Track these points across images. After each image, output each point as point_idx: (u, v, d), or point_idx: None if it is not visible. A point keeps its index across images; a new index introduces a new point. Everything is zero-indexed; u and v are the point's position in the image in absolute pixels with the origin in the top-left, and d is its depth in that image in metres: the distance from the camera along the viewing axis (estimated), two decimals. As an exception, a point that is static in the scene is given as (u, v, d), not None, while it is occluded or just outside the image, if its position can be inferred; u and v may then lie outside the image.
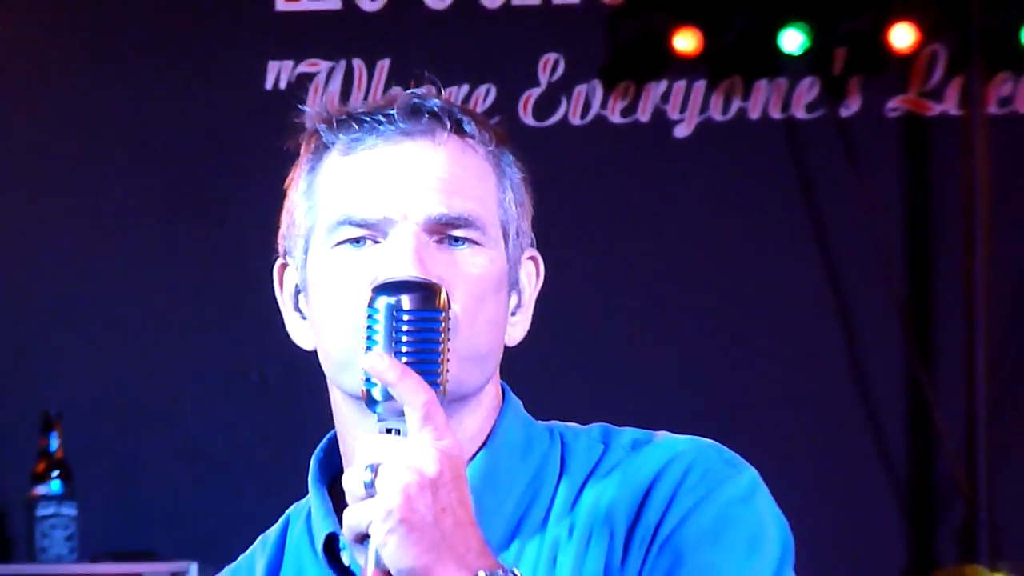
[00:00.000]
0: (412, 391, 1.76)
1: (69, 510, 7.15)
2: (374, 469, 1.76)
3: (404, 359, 1.82)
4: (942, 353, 7.78)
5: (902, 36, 7.41)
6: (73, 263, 8.11)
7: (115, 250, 7.87)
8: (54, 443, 7.19)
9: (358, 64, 7.60)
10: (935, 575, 6.89)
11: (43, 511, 7.18)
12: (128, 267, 7.87)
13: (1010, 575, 7.24)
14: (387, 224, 2.12)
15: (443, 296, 1.95)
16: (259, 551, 2.34)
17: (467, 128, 2.16)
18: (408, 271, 2.03)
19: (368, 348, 1.87)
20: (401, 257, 2.06)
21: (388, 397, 1.83)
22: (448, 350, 1.95)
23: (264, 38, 7.78)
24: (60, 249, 8.09)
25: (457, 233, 2.13)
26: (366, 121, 2.17)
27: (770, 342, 7.55)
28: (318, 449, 2.22)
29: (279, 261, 2.23)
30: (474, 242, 2.16)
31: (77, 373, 7.74)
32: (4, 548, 7.53)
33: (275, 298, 2.14)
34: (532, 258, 2.25)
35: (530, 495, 2.21)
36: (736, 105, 7.71)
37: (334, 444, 2.18)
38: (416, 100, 2.18)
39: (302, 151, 2.21)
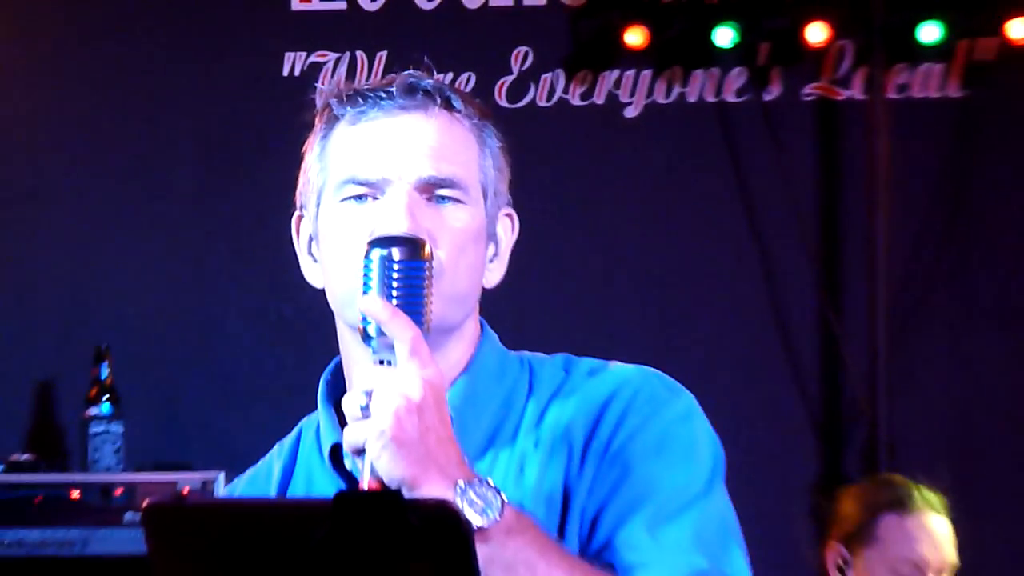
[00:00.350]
0: (400, 328, 2.17)
1: (117, 428, 7.10)
2: (369, 395, 2.16)
3: (394, 301, 2.27)
4: (848, 298, 7.82)
5: (816, 33, 7.53)
6: (124, 222, 7.97)
7: (158, 209, 7.86)
8: (104, 372, 7.16)
9: (360, 55, 7.67)
10: (844, 488, 6.97)
11: (95, 429, 7.16)
12: (169, 223, 7.84)
13: (925, 487, 7.28)
14: (385, 184, 2.53)
15: (427, 249, 2.35)
16: (276, 456, 2.81)
17: (455, 104, 2.58)
18: (400, 226, 2.41)
19: (364, 292, 2.30)
20: (395, 212, 2.45)
21: (381, 333, 2.25)
22: (431, 293, 2.34)
23: (282, 33, 7.79)
24: (113, 211, 7.94)
25: (443, 192, 2.55)
26: (370, 97, 2.58)
27: (704, 290, 7.68)
28: (326, 372, 2.68)
29: (296, 213, 2.70)
30: (457, 200, 2.57)
31: (124, 312, 7.70)
32: (62, 460, 7.44)
33: (291, 249, 2.67)
34: (508, 215, 2.72)
35: (502, 413, 2.72)
36: (677, 90, 7.81)
37: (339, 368, 2.64)
38: (412, 80, 2.60)
39: (316, 122, 2.65)
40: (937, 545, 5.86)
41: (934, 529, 5.85)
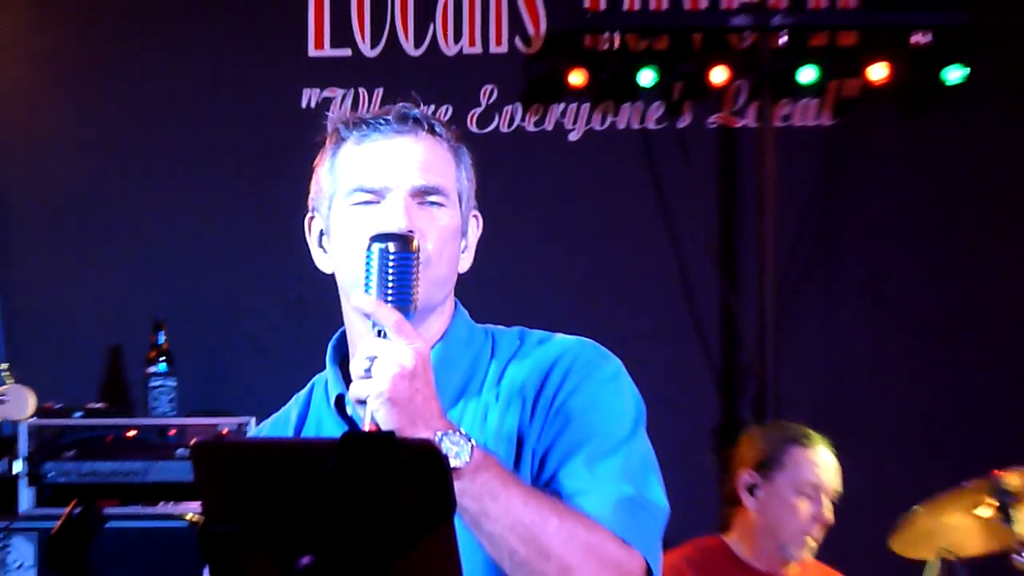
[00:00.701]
0: (385, 315, 2.64)
1: (171, 382, 7.35)
2: (371, 360, 2.62)
3: (390, 284, 2.72)
4: (743, 284, 8.07)
5: (718, 75, 7.79)
6: (176, 219, 8.16)
7: (203, 208, 8.06)
8: (161, 339, 7.41)
9: (362, 91, 7.95)
10: (743, 435, 7.12)
11: (153, 383, 7.35)
12: (211, 219, 8.05)
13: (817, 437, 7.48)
14: (385, 191, 2.94)
15: (415, 243, 2.80)
16: (293, 405, 3.31)
17: (437, 129, 3.05)
18: (399, 224, 2.84)
19: (367, 277, 2.75)
20: (395, 213, 2.87)
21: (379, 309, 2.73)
22: (419, 279, 2.77)
23: (300, 73, 8.04)
24: (168, 210, 8.12)
25: (431, 198, 2.98)
26: (371, 123, 3.03)
27: (629, 278, 7.94)
28: (332, 339, 3.16)
29: (308, 215, 3.14)
30: (441, 204, 3.01)
31: (177, 290, 7.91)
32: (128, 408, 7.64)
33: (306, 242, 3.12)
34: (475, 215, 3.20)
35: (470, 372, 3.18)
36: (609, 119, 8.06)
37: (343, 336, 3.11)
38: (404, 110, 3.04)
39: (327, 143, 3.10)
40: (831, 472, 6.10)
41: (829, 460, 6.09)
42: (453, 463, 2.64)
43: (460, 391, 3.22)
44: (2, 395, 5.72)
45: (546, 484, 3.05)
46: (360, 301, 2.82)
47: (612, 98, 7.91)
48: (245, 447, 3.23)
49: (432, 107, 3.51)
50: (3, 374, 5.86)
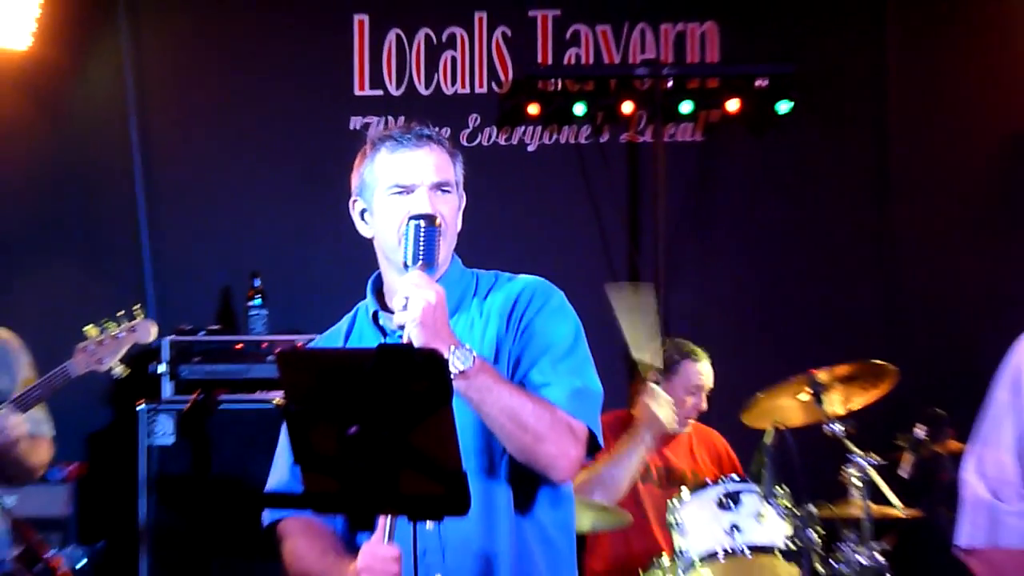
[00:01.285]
0: (416, 276, 3.20)
1: (264, 311, 7.90)
2: (407, 298, 3.15)
3: (422, 248, 3.29)
4: (644, 245, 8.49)
5: (627, 107, 8.34)
6: (269, 202, 8.47)
7: (285, 190, 8.38)
8: (256, 282, 7.89)
9: (390, 119, 8.19)
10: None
11: (252, 312, 7.97)
12: (292, 200, 8.27)
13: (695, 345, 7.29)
14: (413, 186, 3.47)
15: (438, 220, 3.37)
16: (344, 322, 3.83)
17: (442, 143, 3.58)
18: (425, 208, 3.40)
19: (405, 244, 3.32)
20: (423, 201, 3.43)
21: (412, 266, 3.27)
22: (441, 244, 3.36)
23: (350, 106, 8.44)
24: (263, 193, 8.43)
25: (443, 188, 3.51)
26: (399, 138, 3.55)
27: (568, 250, 8.31)
28: (371, 278, 3.69)
29: (352, 198, 3.65)
30: (449, 191, 3.53)
31: (267, 249, 8.22)
32: (234, 329, 8.04)
33: (350, 217, 3.63)
34: (462, 197, 3.68)
35: (461, 298, 3.67)
36: (555, 137, 8.54)
37: (378, 276, 3.64)
38: (420, 130, 3.55)
39: (366, 150, 3.61)
40: (708, 377, 6.94)
41: (708, 369, 6.92)
42: (461, 367, 3.21)
43: (454, 310, 3.64)
44: (133, 326, 5.78)
45: (521, 379, 3.58)
46: (410, 275, 3.38)
47: (556, 123, 8.52)
48: (312, 353, 3.61)
49: (436, 128, 3.94)
50: (135, 311, 5.88)
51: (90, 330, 5.63)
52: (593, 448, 3.51)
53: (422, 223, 3.35)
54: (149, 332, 5.81)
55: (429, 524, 3.40)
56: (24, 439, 5.48)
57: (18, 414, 5.43)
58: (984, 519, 3.18)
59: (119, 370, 5.72)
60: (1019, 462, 3.14)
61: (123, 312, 5.75)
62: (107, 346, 5.60)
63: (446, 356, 3.04)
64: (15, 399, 5.48)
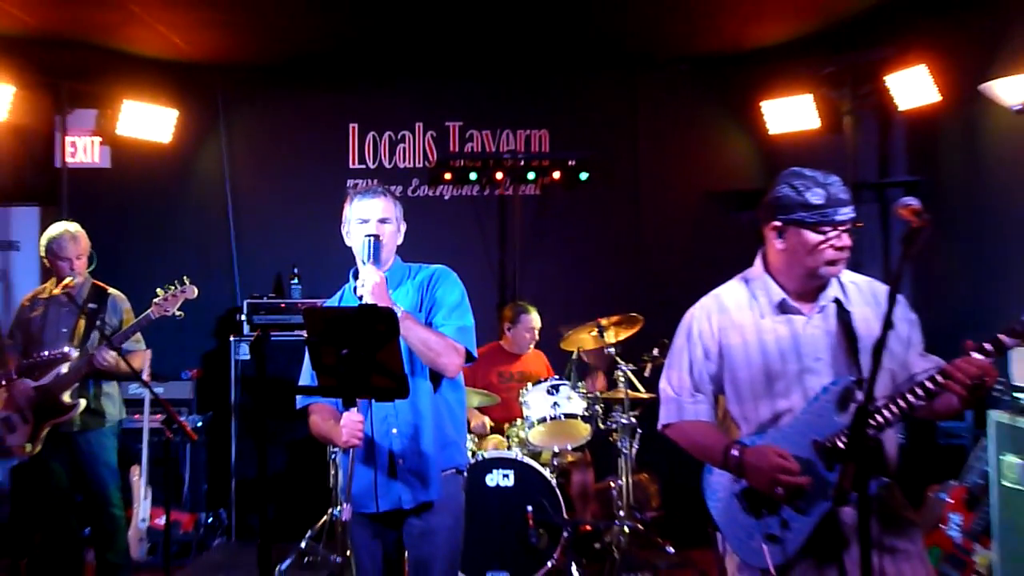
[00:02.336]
0: (369, 271, 3.58)
1: (299, 287, 8.20)
2: (364, 279, 3.56)
3: (371, 253, 3.66)
4: (508, 256, 8.62)
5: (499, 175, 8.51)
6: (303, 218, 8.46)
7: (314, 216, 8.14)
8: (295, 270, 8.20)
9: (367, 180, 8.39)
10: None
11: (292, 287, 8.22)
12: (316, 219, 8.05)
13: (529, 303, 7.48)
14: (368, 219, 3.75)
15: (381, 238, 3.70)
16: (340, 293, 3.98)
17: (387, 195, 3.85)
18: (373, 231, 3.69)
19: (363, 250, 3.66)
20: (372, 228, 3.71)
21: (364, 263, 3.61)
22: (382, 251, 3.70)
23: (345, 173, 8.59)
24: (298, 214, 8.54)
25: (386, 220, 3.77)
26: (362, 192, 3.83)
27: (462, 259, 8.07)
28: (352, 269, 3.83)
29: (343, 224, 3.84)
30: (388, 222, 3.78)
31: (302, 249, 8.39)
32: (284, 296, 8.32)
33: (342, 234, 3.83)
34: (402, 225, 3.91)
35: (401, 279, 3.88)
36: (461, 191, 8.72)
37: (356, 268, 3.75)
38: (374, 188, 3.85)
39: (348, 198, 3.84)
40: (537, 322, 7.35)
41: (537, 318, 7.36)
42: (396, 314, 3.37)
43: (396, 286, 3.89)
44: (183, 289, 5.88)
45: (430, 321, 3.82)
46: (366, 268, 3.68)
47: (460, 183, 8.65)
48: (322, 309, 3.73)
49: (387, 187, 4.27)
50: (185, 280, 5.95)
51: (160, 292, 5.80)
52: (469, 359, 3.79)
53: (371, 239, 3.75)
54: (193, 292, 5.84)
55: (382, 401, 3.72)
56: (119, 361, 5.70)
57: (109, 351, 5.68)
58: (673, 407, 3.25)
59: (179, 314, 5.82)
60: (690, 377, 3.23)
61: (179, 282, 5.89)
62: (169, 300, 5.75)
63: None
64: (111, 338, 5.68)
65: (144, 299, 5.95)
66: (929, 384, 2.74)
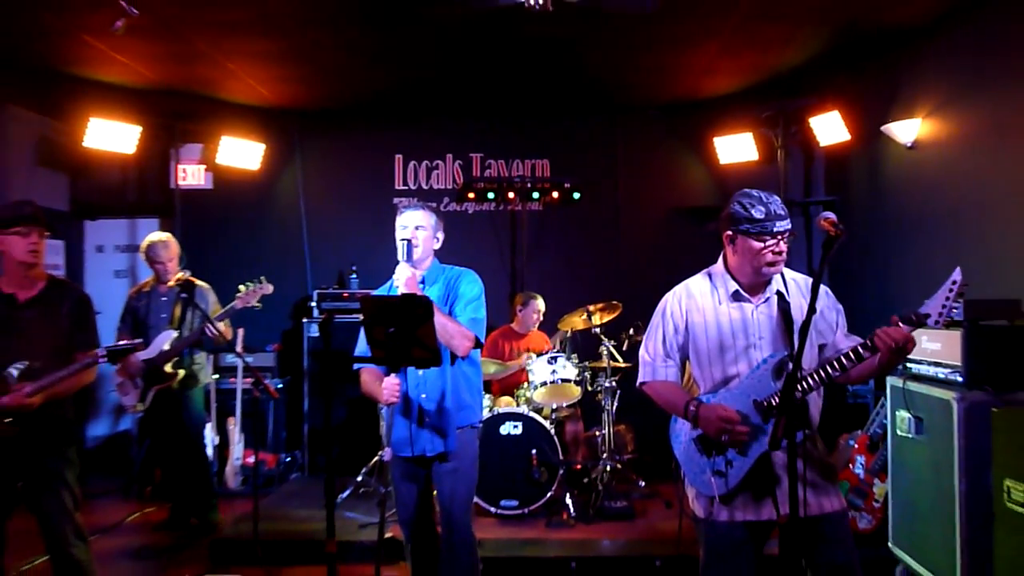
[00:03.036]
0: (404, 268, 3.49)
1: (356, 280, 8.01)
2: (397, 274, 3.48)
3: (405, 253, 3.56)
4: (518, 253, 8.35)
5: (511, 195, 8.32)
6: (359, 227, 8.28)
7: (373, 226, 8.05)
8: (353, 267, 8.02)
9: (408, 199, 6.88)
10: None
11: (351, 280, 8.04)
12: (367, 237, 8.06)
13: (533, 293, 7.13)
14: (406, 227, 3.67)
15: (415, 241, 3.61)
16: (387, 284, 3.74)
17: (425, 208, 3.76)
18: (408, 236, 3.62)
19: (400, 252, 3.55)
20: (408, 233, 3.64)
21: (402, 262, 3.50)
22: (417, 250, 3.62)
23: (393, 192, 8.46)
24: (355, 230, 8.33)
25: (421, 228, 3.68)
26: (403, 207, 3.74)
27: (481, 262, 7.75)
28: (397, 265, 3.56)
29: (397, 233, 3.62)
30: (424, 228, 3.69)
31: (358, 250, 8.18)
32: (345, 287, 8.03)
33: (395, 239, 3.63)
34: (440, 232, 3.81)
35: (435, 277, 3.75)
36: (482, 208, 8.55)
37: (398, 263, 3.52)
38: (413, 203, 3.77)
39: (398, 211, 3.76)
40: (542, 306, 7.09)
41: (542, 303, 7.11)
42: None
43: (432, 282, 3.76)
44: (261, 285, 5.79)
45: (451, 311, 3.70)
46: (400, 265, 3.59)
47: (480, 201, 8.45)
48: (374, 297, 3.52)
49: (424, 202, 4.06)
50: (261, 278, 5.84)
51: (241, 288, 5.76)
52: (477, 344, 3.67)
53: (405, 242, 3.65)
54: (269, 288, 5.80)
55: (420, 372, 3.66)
56: (227, 331, 5.83)
57: (219, 323, 5.70)
58: (648, 369, 3.23)
59: (257, 306, 5.79)
60: (663, 346, 3.21)
61: (258, 280, 5.84)
62: (250, 294, 5.73)
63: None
64: (215, 318, 5.68)
65: (234, 291, 5.96)
66: (844, 360, 2.81)
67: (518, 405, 6.42)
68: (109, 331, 5.28)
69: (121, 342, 3.95)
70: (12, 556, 3.82)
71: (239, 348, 5.81)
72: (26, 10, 5.40)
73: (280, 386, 7.71)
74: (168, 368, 5.76)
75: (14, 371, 3.72)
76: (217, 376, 7.31)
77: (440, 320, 3.39)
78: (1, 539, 3.77)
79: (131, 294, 5.98)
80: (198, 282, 5.93)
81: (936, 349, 4.49)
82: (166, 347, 5.69)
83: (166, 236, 5.95)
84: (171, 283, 5.80)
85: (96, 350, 3.80)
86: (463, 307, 3.67)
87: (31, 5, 5.30)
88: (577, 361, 6.52)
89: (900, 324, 2.71)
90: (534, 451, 6.07)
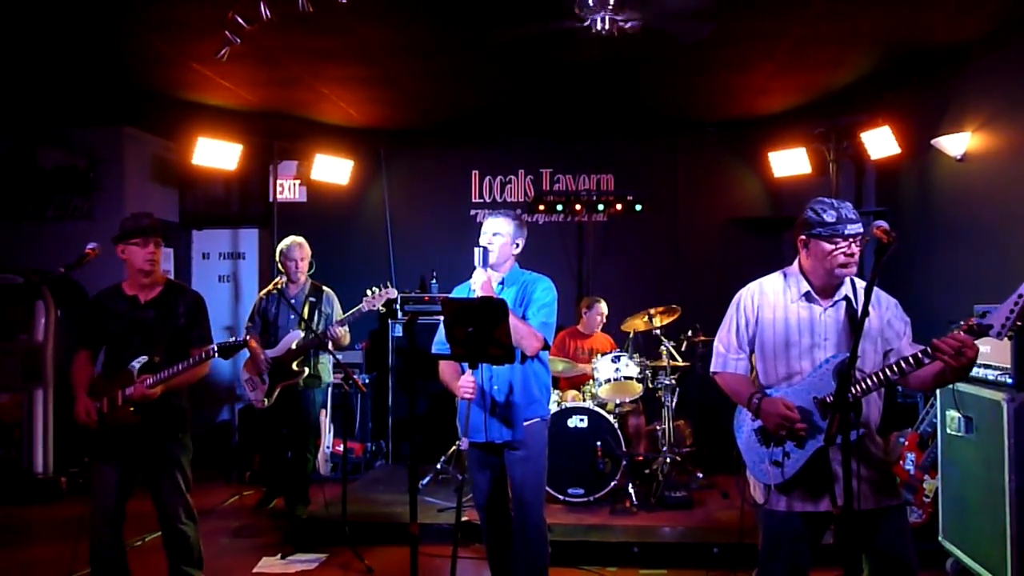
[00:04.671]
0: (478, 272, 3.50)
1: (436, 284, 8.03)
2: (474, 278, 3.49)
3: (482, 259, 3.53)
4: (584, 257, 8.25)
5: (578, 207, 8.16)
6: (439, 246, 8.31)
7: (445, 243, 8.18)
8: (434, 273, 8.08)
9: (485, 211, 8.12)
10: None
11: (432, 285, 8.08)
12: (447, 246, 8.21)
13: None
14: (486, 233, 3.66)
15: (490, 248, 3.58)
16: (464, 286, 3.74)
17: (506, 215, 3.74)
18: (485, 243, 3.61)
19: (478, 258, 3.51)
20: (486, 239, 3.64)
21: (478, 267, 3.48)
22: (490, 258, 3.57)
23: (470, 205, 8.45)
24: (436, 238, 8.37)
25: (499, 234, 3.66)
26: (490, 214, 3.75)
27: (552, 269, 7.56)
28: (476, 267, 3.53)
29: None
30: (501, 236, 3.68)
31: (438, 260, 8.17)
32: (425, 291, 8.15)
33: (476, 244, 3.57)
34: (521, 237, 3.76)
35: (513, 281, 3.71)
36: (552, 219, 8.38)
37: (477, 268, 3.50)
38: (498, 211, 3.74)
39: (480, 220, 3.79)
40: (605, 309, 6.99)
41: (604, 306, 7.02)
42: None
43: (510, 285, 3.72)
44: (387, 290, 5.75)
45: (524, 314, 3.65)
46: (477, 270, 3.57)
47: (549, 213, 8.32)
48: (454, 299, 3.51)
49: (506, 211, 3.90)
50: (388, 284, 5.82)
51: (369, 292, 5.74)
52: (545, 347, 3.64)
53: (481, 249, 3.61)
54: (393, 293, 5.77)
55: (495, 366, 3.61)
56: (345, 335, 5.75)
57: (340, 327, 5.72)
58: (721, 360, 3.20)
59: (382, 308, 5.81)
60: (735, 338, 3.18)
61: (383, 284, 5.81)
62: (377, 297, 5.68)
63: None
64: (338, 323, 5.70)
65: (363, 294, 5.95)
66: (904, 364, 2.75)
67: (584, 400, 6.38)
68: (215, 329, 5.38)
69: (230, 339, 4.07)
70: (126, 533, 3.97)
71: (331, 347, 5.74)
72: (141, 39, 5.54)
73: (367, 381, 7.70)
74: (294, 366, 5.75)
75: (136, 364, 3.88)
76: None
77: (512, 322, 3.34)
78: (121, 516, 3.89)
79: (260, 296, 6.02)
80: (325, 287, 6.01)
81: (986, 352, 4.38)
82: (293, 346, 5.72)
83: (300, 239, 5.99)
84: (278, 283, 5.70)
85: (209, 346, 3.91)
86: (536, 311, 3.62)
87: (145, 34, 5.43)
88: (639, 360, 6.44)
89: (960, 333, 2.61)
90: (599, 443, 6.01)
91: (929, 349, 2.66)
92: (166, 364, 3.85)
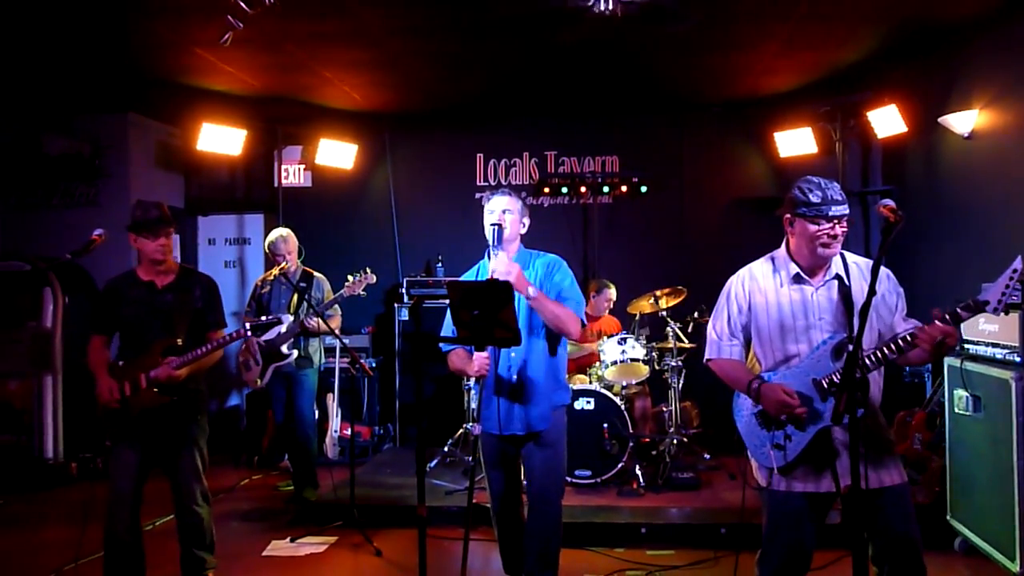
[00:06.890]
0: (501, 256, 3.31)
1: (441, 268, 8.04)
2: (502, 268, 3.25)
3: (496, 238, 3.40)
4: (589, 242, 8.20)
5: (583, 189, 8.13)
6: (445, 217, 8.29)
7: (459, 217, 8.13)
8: (439, 257, 8.05)
9: (488, 193, 7.59)
10: None
11: (438, 269, 8.05)
12: (452, 228, 8.17)
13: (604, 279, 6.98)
14: (494, 211, 3.51)
15: (503, 224, 3.44)
16: (475, 267, 3.67)
17: (511, 194, 3.62)
18: (496, 220, 3.46)
19: (491, 235, 3.38)
20: (496, 217, 3.49)
21: (492, 248, 3.34)
22: (503, 236, 3.44)
23: (475, 187, 8.40)
24: (441, 222, 8.35)
25: (508, 211, 3.53)
26: (493, 193, 3.61)
27: (558, 250, 7.42)
28: (486, 250, 3.50)
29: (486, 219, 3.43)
30: (511, 212, 3.54)
31: (444, 244, 8.18)
32: (431, 274, 8.08)
33: (483, 225, 3.49)
34: (526, 217, 3.66)
35: (525, 263, 3.58)
36: (556, 200, 8.33)
37: (488, 250, 3.44)
38: (503, 189, 3.62)
39: (485, 198, 3.60)
40: (614, 293, 6.95)
41: (613, 291, 6.95)
42: (533, 295, 3.32)
43: (523, 267, 3.54)
44: (367, 275, 5.67)
45: (556, 297, 3.54)
46: (498, 259, 3.39)
47: (554, 195, 8.30)
48: (460, 282, 3.44)
49: (510, 192, 3.74)
50: (367, 269, 5.73)
51: (349, 278, 5.65)
52: (582, 325, 3.57)
53: (495, 227, 3.53)
54: (373, 278, 5.68)
55: (513, 354, 3.58)
56: (320, 324, 5.63)
57: (315, 317, 5.63)
58: (715, 347, 3.18)
59: (363, 294, 5.70)
60: (728, 326, 3.16)
61: (363, 271, 5.71)
62: (356, 283, 5.61)
63: (527, 292, 3.34)
64: (317, 308, 5.66)
65: (335, 279, 6.01)
66: (901, 342, 2.75)
67: (591, 382, 6.34)
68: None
69: (262, 318, 4.15)
70: (141, 516, 3.94)
71: (337, 331, 5.73)
72: (144, 26, 5.52)
73: (374, 365, 7.68)
74: (284, 349, 5.81)
75: (158, 347, 3.89)
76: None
77: (552, 308, 3.37)
78: (139, 499, 3.90)
79: (257, 283, 6.06)
80: (316, 273, 6.01)
81: (993, 331, 4.38)
82: (282, 330, 5.74)
83: (285, 232, 5.99)
84: (283, 268, 5.79)
85: (240, 328, 3.98)
86: (567, 295, 3.57)
87: (148, 20, 5.41)
88: (645, 342, 6.42)
89: (937, 321, 2.64)
90: (606, 425, 6.00)
91: (909, 338, 2.71)
92: (188, 347, 3.88)
